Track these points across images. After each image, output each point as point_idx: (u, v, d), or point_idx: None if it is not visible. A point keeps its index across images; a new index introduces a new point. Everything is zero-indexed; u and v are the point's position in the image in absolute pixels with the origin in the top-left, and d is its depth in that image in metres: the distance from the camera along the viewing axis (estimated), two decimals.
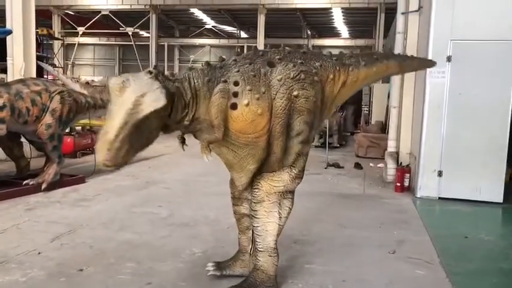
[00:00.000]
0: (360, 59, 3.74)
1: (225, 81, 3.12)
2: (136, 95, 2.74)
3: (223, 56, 3.51)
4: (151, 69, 2.97)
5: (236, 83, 3.12)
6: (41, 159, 7.56)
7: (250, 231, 3.67)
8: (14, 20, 8.99)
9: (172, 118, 3.04)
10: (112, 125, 2.69)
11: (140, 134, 2.80)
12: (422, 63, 5.23)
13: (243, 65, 3.23)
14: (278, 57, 3.33)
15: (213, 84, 3.13)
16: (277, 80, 3.21)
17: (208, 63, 3.30)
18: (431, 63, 5.04)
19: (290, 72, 3.24)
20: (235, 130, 3.12)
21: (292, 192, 3.46)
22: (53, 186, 6.78)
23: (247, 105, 3.07)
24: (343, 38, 34.86)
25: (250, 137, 3.17)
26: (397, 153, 8.41)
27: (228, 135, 3.15)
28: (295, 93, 3.22)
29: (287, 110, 3.21)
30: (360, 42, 30.70)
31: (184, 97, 3.07)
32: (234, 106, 3.08)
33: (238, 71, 3.18)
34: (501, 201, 6.75)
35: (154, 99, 2.75)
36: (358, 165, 9.93)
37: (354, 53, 3.92)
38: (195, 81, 3.14)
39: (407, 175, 7.54)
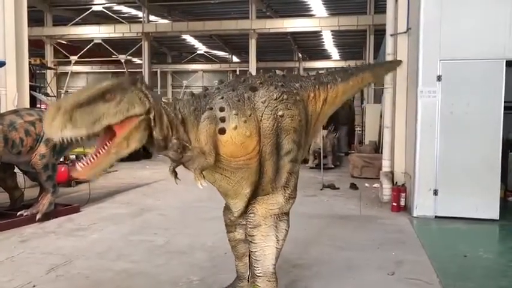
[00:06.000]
0: (336, 76, 3.93)
1: (211, 109, 3.17)
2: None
3: (206, 86, 3.58)
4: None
5: (222, 109, 3.16)
6: (34, 189, 7.51)
7: (247, 258, 3.65)
8: (7, 51, 9.04)
9: (156, 132, 2.99)
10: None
11: (91, 110, 2.69)
12: (390, 66, 5.48)
13: (226, 92, 3.30)
14: (259, 81, 3.42)
15: (199, 113, 3.18)
16: (262, 103, 3.29)
17: (192, 93, 3.36)
18: (397, 63, 5.33)
19: (273, 93, 3.34)
20: (226, 154, 3.15)
21: (287, 213, 3.46)
22: (47, 216, 6.70)
23: (236, 128, 3.12)
24: (333, 59, 35.30)
25: (241, 160, 3.20)
26: (392, 172, 8.44)
27: (220, 161, 3.16)
28: (280, 113, 3.30)
29: (274, 130, 3.27)
30: (351, 63, 31.03)
31: (167, 115, 3.06)
32: (222, 131, 3.11)
33: (222, 98, 3.24)
34: (497, 218, 6.76)
35: (106, 81, 2.85)
36: (353, 186, 9.93)
37: (329, 70, 4.05)
38: (181, 110, 3.16)
39: (403, 194, 7.55)
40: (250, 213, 3.36)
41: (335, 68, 4.16)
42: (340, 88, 3.88)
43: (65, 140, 2.61)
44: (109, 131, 2.80)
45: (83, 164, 2.77)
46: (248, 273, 3.67)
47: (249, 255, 3.58)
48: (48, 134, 2.65)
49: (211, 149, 3.05)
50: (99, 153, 2.79)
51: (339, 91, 3.88)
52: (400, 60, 5.36)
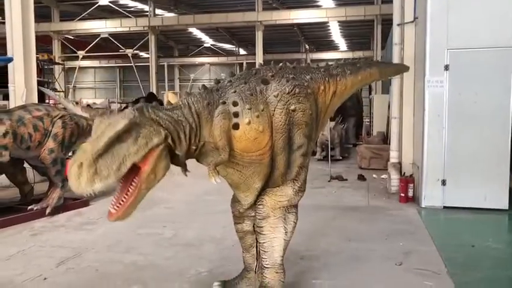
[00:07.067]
0: (346, 68, 3.90)
1: (224, 103, 3.14)
2: (110, 121, 2.72)
3: (218, 78, 3.55)
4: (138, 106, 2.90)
5: (235, 103, 3.13)
6: (44, 184, 7.58)
7: (254, 249, 3.66)
8: (15, 47, 9.09)
9: (180, 149, 2.97)
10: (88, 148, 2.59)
11: (112, 156, 2.61)
12: (398, 69, 5.66)
13: (239, 85, 3.27)
14: (270, 74, 3.40)
15: (213, 107, 3.12)
16: (274, 96, 3.27)
17: (205, 87, 3.30)
18: (405, 68, 5.51)
19: (285, 87, 3.31)
20: (240, 150, 3.13)
21: (296, 206, 3.46)
22: (57, 210, 6.78)
23: (249, 123, 3.10)
24: (341, 51, 35.15)
25: (254, 155, 3.19)
26: (400, 163, 8.40)
27: (233, 156, 3.15)
28: (292, 107, 3.28)
29: (287, 125, 3.26)
30: (358, 54, 30.94)
31: (184, 124, 3.00)
32: (236, 126, 3.09)
33: (235, 92, 3.20)
34: (507, 208, 6.71)
35: (119, 121, 2.68)
36: (361, 177, 9.91)
37: (338, 63, 4.01)
38: (195, 105, 3.09)
39: (411, 185, 7.52)
40: (259, 204, 3.37)
41: (344, 60, 4.12)
42: (349, 81, 3.88)
43: (97, 193, 2.55)
44: (132, 168, 2.69)
45: (117, 206, 2.72)
46: (255, 265, 3.68)
47: (257, 246, 3.59)
48: (79, 192, 2.55)
49: (226, 145, 3.03)
50: (129, 191, 2.73)
51: (347, 84, 3.87)
52: (408, 66, 5.57)
